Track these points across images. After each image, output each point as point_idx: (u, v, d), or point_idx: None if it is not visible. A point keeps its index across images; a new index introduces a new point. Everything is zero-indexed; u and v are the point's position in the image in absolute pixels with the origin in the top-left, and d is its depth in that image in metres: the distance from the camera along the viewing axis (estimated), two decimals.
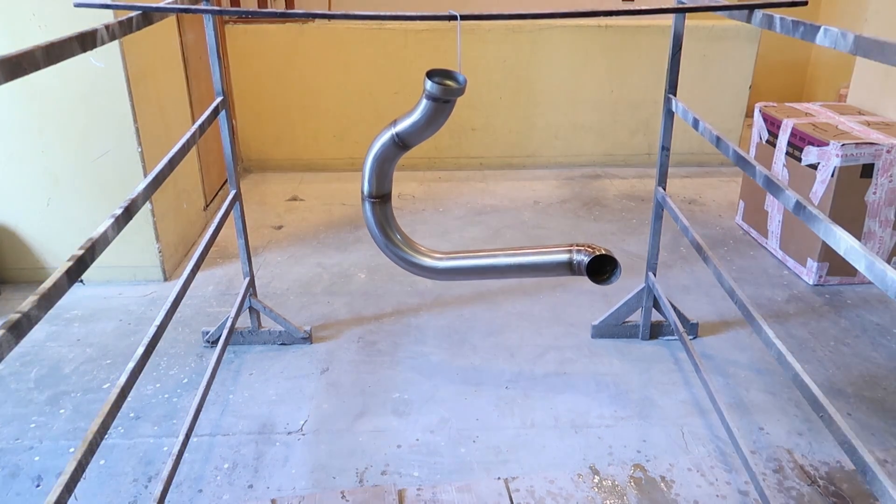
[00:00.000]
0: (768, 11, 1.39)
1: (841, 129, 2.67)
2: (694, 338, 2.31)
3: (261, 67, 3.74)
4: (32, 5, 2.27)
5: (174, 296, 1.56)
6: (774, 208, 2.89)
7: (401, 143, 1.78)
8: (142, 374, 1.63)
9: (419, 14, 1.45)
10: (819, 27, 1.16)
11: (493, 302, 2.55)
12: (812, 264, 2.65)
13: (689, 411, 1.97)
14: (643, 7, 1.50)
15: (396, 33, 3.71)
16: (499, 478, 1.72)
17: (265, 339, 2.28)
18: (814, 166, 2.63)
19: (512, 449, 1.83)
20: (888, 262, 1.64)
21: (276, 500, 1.65)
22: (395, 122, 1.77)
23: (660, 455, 1.80)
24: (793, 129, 2.76)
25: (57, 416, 1.95)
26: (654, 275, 2.22)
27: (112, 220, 1.18)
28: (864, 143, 2.51)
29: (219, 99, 1.95)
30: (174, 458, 1.53)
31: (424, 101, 1.68)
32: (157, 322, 1.47)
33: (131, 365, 1.32)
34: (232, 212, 2.08)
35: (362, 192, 1.91)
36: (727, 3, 1.56)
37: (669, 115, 2.01)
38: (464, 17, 1.47)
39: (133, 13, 1.34)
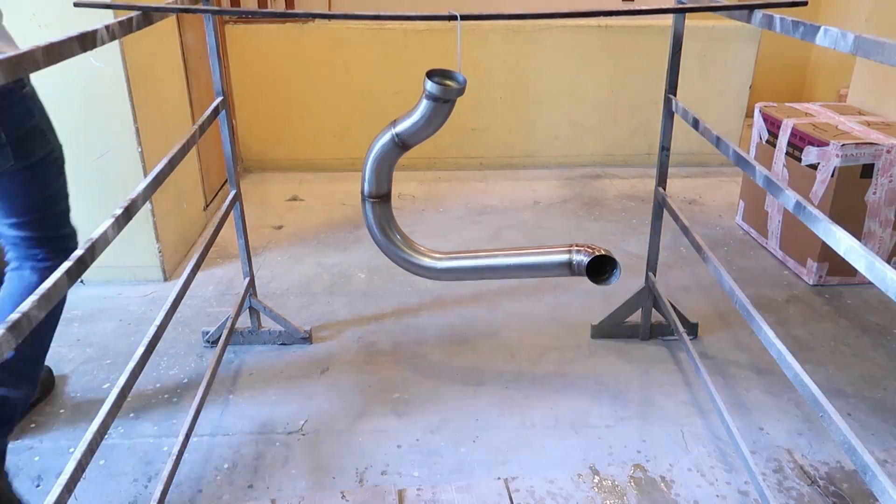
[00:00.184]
0: (768, 11, 1.39)
1: (841, 129, 2.67)
2: (694, 338, 2.31)
3: (261, 67, 3.74)
4: (32, 5, 2.27)
5: (174, 296, 1.56)
6: (774, 208, 2.89)
7: (400, 144, 1.78)
8: (142, 374, 1.63)
9: (419, 14, 1.45)
10: (819, 27, 1.16)
11: (493, 302, 2.55)
12: (812, 264, 2.65)
13: (689, 411, 1.97)
14: (643, 7, 1.50)
15: (396, 33, 3.71)
16: (499, 478, 1.72)
17: (265, 339, 2.28)
18: (814, 166, 2.63)
19: (512, 449, 1.83)
20: (888, 262, 1.64)
21: (275, 500, 1.65)
22: (394, 123, 1.77)
23: (660, 455, 1.80)
24: (793, 129, 2.76)
25: (57, 416, 1.95)
26: (654, 275, 2.22)
27: (112, 220, 1.18)
28: (864, 143, 2.51)
29: (219, 99, 1.95)
30: (174, 458, 1.53)
31: (424, 102, 1.68)
32: (157, 322, 1.47)
33: (131, 365, 1.32)
34: (232, 212, 2.08)
35: (362, 193, 1.91)
36: (727, 3, 1.56)
37: (669, 115, 2.01)
38: (464, 17, 1.47)
39: (133, 13, 1.34)
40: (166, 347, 2.25)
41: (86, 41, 1.10)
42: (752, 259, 2.90)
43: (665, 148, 2.06)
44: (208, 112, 1.86)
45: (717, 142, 1.65)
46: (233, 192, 2.08)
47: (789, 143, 2.77)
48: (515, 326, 2.40)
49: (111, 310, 2.49)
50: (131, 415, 1.95)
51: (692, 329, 2.30)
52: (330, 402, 2.01)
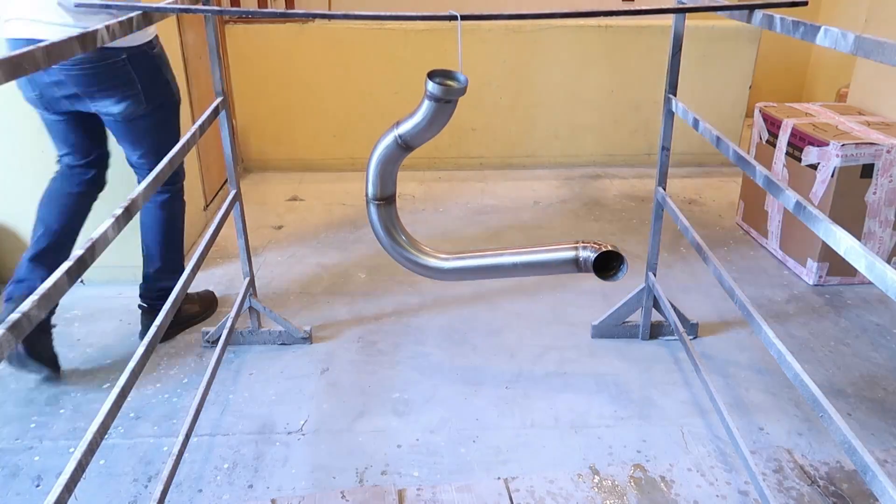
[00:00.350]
0: (768, 11, 1.39)
1: (841, 129, 2.67)
2: (694, 338, 2.31)
3: (261, 67, 3.74)
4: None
5: (174, 296, 1.56)
6: (774, 208, 2.89)
7: (404, 145, 1.78)
8: (142, 374, 1.63)
9: (419, 14, 1.46)
10: (819, 27, 1.16)
11: (493, 302, 2.55)
12: (812, 264, 2.65)
13: (689, 411, 1.97)
14: (643, 7, 1.50)
15: (396, 33, 3.71)
16: (499, 478, 1.72)
17: (265, 339, 2.28)
18: (814, 166, 2.63)
19: (512, 449, 1.83)
20: (888, 262, 1.64)
21: (276, 500, 1.65)
22: (397, 124, 1.77)
23: (660, 455, 1.80)
24: (793, 129, 2.76)
25: (57, 416, 1.95)
26: (654, 275, 2.22)
27: (112, 220, 1.18)
28: (864, 143, 2.51)
29: (219, 99, 1.95)
30: (174, 458, 1.53)
31: (426, 102, 1.68)
32: (158, 322, 1.47)
33: (131, 365, 1.32)
34: (232, 212, 2.08)
35: (366, 195, 1.91)
36: (727, 3, 1.56)
37: (669, 115, 2.01)
38: (464, 18, 1.47)
39: (133, 13, 1.34)
40: (166, 347, 2.25)
41: (86, 41, 1.10)
42: (752, 259, 2.90)
43: (665, 148, 2.06)
44: (208, 112, 1.86)
45: (717, 142, 1.65)
46: (233, 192, 2.08)
47: (789, 143, 2.77)
48: (515, 326, 2.40)
49: (111, 310, 2.49)
50: (131, 415, 1.95)
51: (692, 329, 2.30)
52: (330, 402, 2.01)
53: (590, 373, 2.15)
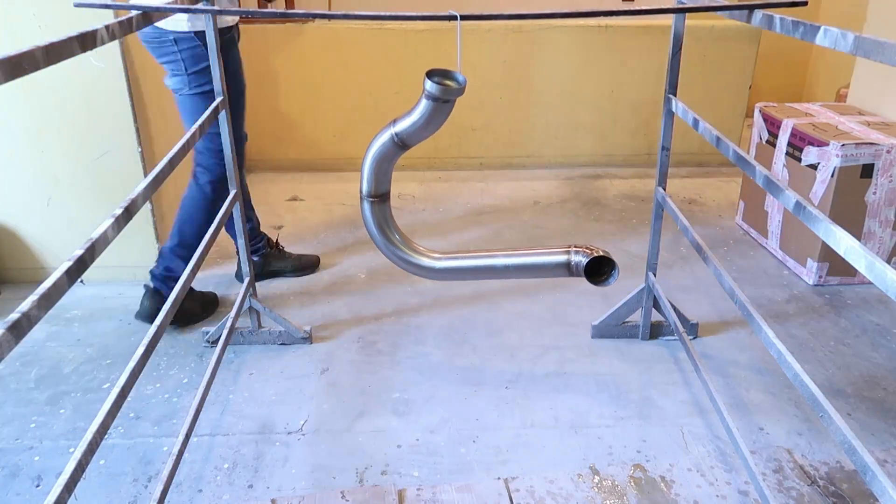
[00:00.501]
0: (768, 11, 1.39)
1: (841, 129, 2.67)
2: (694, 338, 2.31)
3: (261, 67, 3.74)
4: (32, 5, 2.27)
5: (174, 296, 1.56)
6: (774, 208, 2.89)
7: (400, 143, 1.78)
8: (142, 374, 1.63)
9: (419, 14, 1.46)
10: (819, 27, 1.16)
11: (493, 302, 2.55)
12: (812, 264, 2.65)
13: (689, 411, 1.97)
14: (643, 7, 1.50)
15: (396, 33, 3.71)
16: (499, 478, 1.72)
17: (265, 339, 2.28)
18: (814, 166, 2.63)
19: (512, 449, 1.83)
20: (888, 262, 1.64)
21: (276, 500, 1.65)
22: (394, 122, 1.78)
23: (660, 455, 1.80)
24: (793, 129, 2.76)
25: (57, 416, 1.95)
26: (654, 275, 2.22)
27: (112, 220, 1.18)
28: (864, 143, 2.51)
29: (219, 99, 1.95)
30: (174, 458, 1.53)
31: (424, 101, 1.68)
32: (157, 322, 1.47)
33: (131, 365, 1.32)
34: (232, 212, 2.08)
35: (361, 192, 1.91)
36: (727, 3, 1.56)
37: (669, 115, 2.01)
38: (464, 17, 1.47)
39: (133, 13, 1.34)
40: (166, 347, 2.25)
41: (86, 41, 1.10)
42: (752, 259, 2.90)
43: (665, 148, 2.06)
44: (208, 112, 1.86)
45: (717, 142, 1.65)
46: (233, 192, 2.08)
47: (789, 143, 2.77)
48: (515, 326, 2.40)
49: (111, 310, 2.49)
50: (131, 415, 1.95)
51: (692, 329, 2.30)
52: (330, 402, 2.01)
53: (590, 373, 2.15)
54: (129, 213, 1.24)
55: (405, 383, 2.10)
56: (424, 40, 3.72)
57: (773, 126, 2.90)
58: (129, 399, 1.71)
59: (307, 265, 2.76)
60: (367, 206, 1.90)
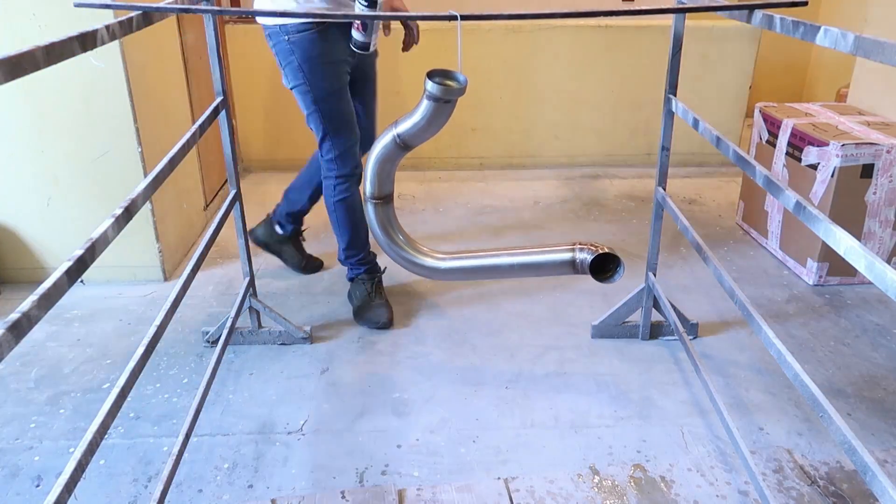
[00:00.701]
0: (768, 11, 1.39)
1: (841, 129, 2.67)
2: (694, 338, 2.31)
3: (261, 67, 3.74)
4: (32, 5, 2.27)
5: (174, 296, 1.56)
6: (774, 208, 2.89)
7: (402, 144, 1.78)
8: (142, 374, 1.63)
9: (419, 14, 1.46)
10: (819, 27, 1.16)
11: (493, 302, 2.55)
12: (812, 264, 2.65)
13: (689, 411, 1.97)
14: (643, 7, 1.50)
15: (396, 33, 3.71)
16: (499, 478, 1.72)
17: (265, 339, 2.28)
18: (814, 166, 2.63)
19: (512, 449, 1.83)
20: (888, 262, 1.64)
21: (276, 500, 1.65)
22: (395, 123, 1.78)
23: (660, 455, 1.80)
24: (793, 129, 2.76)
25: (57, 416, 1.95)
26: (654, 275, 2.22)
27: (112, 220, 1.18)
28: (864, 143, 2.51)
29: (219, 99, 1.95)
30: (174, 458, 1.53)
31: (425, 102, 1.68)
32: (157, 322, 1.47)
33: (131, 365, 1.32)
34: (232, 212, 2.08)
35: (364, 194, 1.91)
36: (727, 3, 1.56)
37: (669, 115, 2.01)
38: (464, 17, 1.47)
39: (133, 13, 1.34)
40: (166, 347, 2.25)
41: (86, 41, 1.10)
42: (752, 259, 2.90)
43: (665, 148, 2.06)
44: (208, 112, 1.86)
45: (717, 142, 1.65)
46: (233, 192, 2.08)
47: (789, 143, 2.77)
48: (515, 326, 2.40)
49: (111, 310, 2.49)
50: (131, 415, 1.95)
51: (692, 329, 2.30)
52: (330, 402, 2.01)
53: (590, 373, 2.15)
54: (129, 213, 1.24)
55: (405, 383, 2.10)
56: (424, 40, 3.71)
57: (773, 126, 2.90)
58: (129, 399, 1.71)
59: (310, 268, 2.77)
60: (370, 207, 1.90)
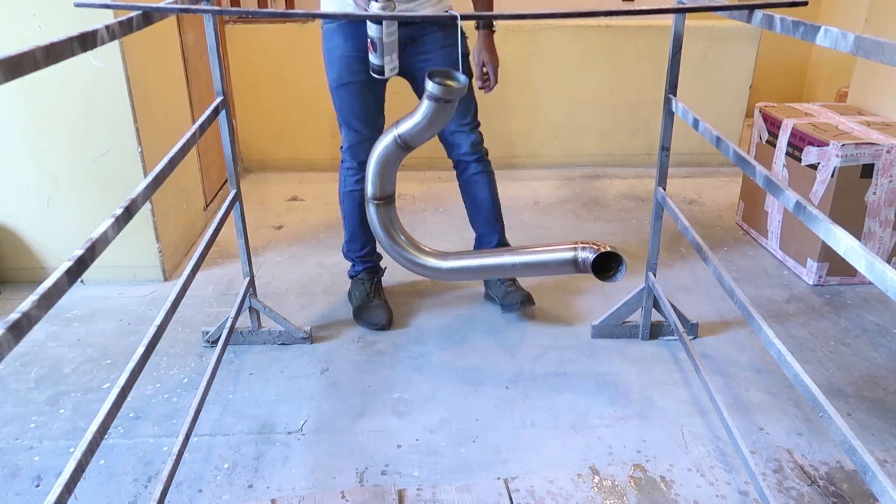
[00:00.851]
0: (768, 11, 1.39)
1: (841, 130, 2.67)
2: (694, 338, 2.31)
3: (261, 67, 3.74)
4: (32, 5, 2.27)
5: (174, 296, 1.56)
6: (774, 208, 2.89)
7: (403, 145, 1.78)
8: (142, 374, 1.63)
9: (419, 14, 1.46)
10: (819, 27, 1.16)
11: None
12: (812, 264, 2.65)
13: (689, 411, 1.97)
14: (643, 7, 1.50)
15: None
16: (499, 478, 1.72)
17: (265, 339, 2.28)
18: (814, 166, 2.63)
19: (512, 449, 1.83)
20: (888, 262, 1.64)
21: (276, 500, 1.65)
22: (396, 124, 1.78)
23: (660, 455, 1.80)
24: (793, 129, 2.76)
25: (57, 416, 1.95)
26: (654, 275, 2.22)
27: (112, 220, 1.18)
28: (864, 143, 2.51)
29: (219, 99, 1.95)
30: (174, 458, 1.53)
31: (426, 102, 1.68)
32: (157, 322, 1.47)
33: (131, 365, 1.32)
34: (232, 212, 2.08)
35: (366, 195, 1.91)
36: (727, 3, 1.56)
37: (669, 115, 2.01)
38: (464, 18, 1.47)
39: (133, 13, 1.34)
40: (166, 347, 2.25)
41: (86, 41, 1.10)
42: (752, 259, 2.90)
43: (665, 148, 2.06)
44: (208, 112, 1.86)
45: (717, 142, 1.65)
46: (233, 192, 2.08)
47: (789, 143, 2.77)
48: (515, 326, 2.40)
49: (111, 310, 2.49)
50: (131, 415, 1.95)
51: (692, 329, 2.30)
52: (330, 402, 2.01)
53: (590, 373, 2.15)
54: (129, 213, 1.24)
55: (405, 383, 2.10)
56: None
57: (773, 126, 2.90)
58: (129, 399, 1.71)
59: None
60: (372, 208, 1.90)
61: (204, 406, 1.81)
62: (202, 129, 1.77)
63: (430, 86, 1.63)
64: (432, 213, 3.37)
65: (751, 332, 2.33)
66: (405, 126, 1.75)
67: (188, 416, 1.67)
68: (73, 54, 1.04)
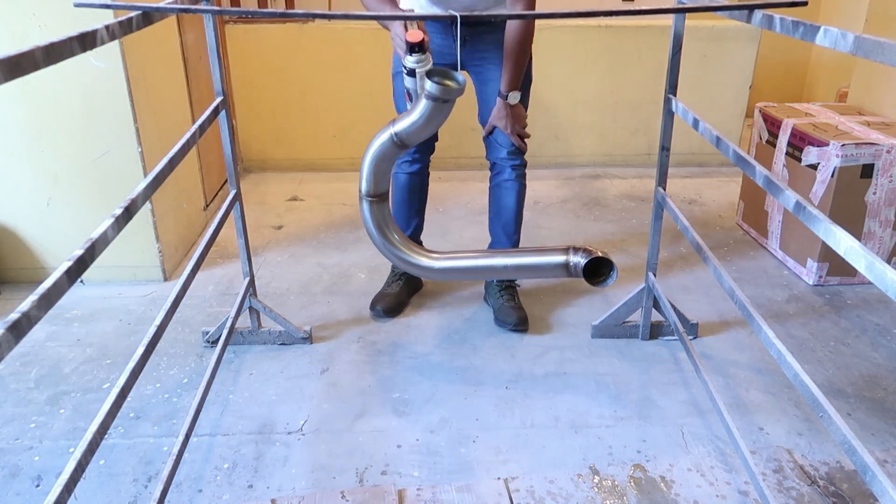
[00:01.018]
0: (768, 11, 1.39)
1: (841, 129, 2.67)
2: (694, 338, 2.31)
3: (261, 67, 3.74)
4: (32, 5, 2.27)
5: (174, 296, 1.56)
6: (774, 208, 2.89)
7: (399, 143, 1.78)
8: (142, 374, 1.63)
9: (419, 14, 1.46)
10: (819, 27, 1.16)
11: None
12: (812, 264, 2.65)
13: (689, 411, 1.97)
14: (643, 7, 1.50)
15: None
16: (499, 478, 1.72)
17: (265, 339, 2.28)
18: (814, 166, 2.63)
19: (512, 449, 1.83)
20: (888, 262, 1.64)
21: (275, 500, 1.65)
22: (393, 122, 1.77)
23: (660, 455, 1.80)
24: (793, 129, 2.76)
25: (57, 416, 1.95)
26: (654, 275, 2.22)
27: (112, 220, 1.18)
28: (864, 143, 2.51)
29: (219, 99, 1.95)
30: (174, 458, 1.53)
31: (424, 101, 1.68)
32: (157, 322, 1.47)
33: (131, 365, 1.32)
34: (232, 212, 2.08)
35: (360, 191, 1.91)
36: (727, 3, 1.56)
37: (669, 115, 2.01)
38: (464, 17, 1.47)
39: (133, 13, 1.34)
40: (166, 347, 2.25)
41: (86, 41, 1.10)
42: (752, 259, 2.90)
43: (665, 148, 2.06)
44: (208, 112, 1.86)
45: (717, 142, 1.65)
46: (233, 192, 2.08)
47: (789, 143, 2.77)
48: None
49: (111, 310, 2.49)
50: (131, 415, 1.95)
51: (692, 329, 2.30)
52: (330, 402, 2.01)
53: (590, 373, 2.15)
54: (129, 213, 1.24)
55: (405, 383, 2.10)
56: None
57: (773, 126, 2.90)
58: (129, 399, 1.71)
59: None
60: (366, 205, 1.90)
61: (204, 406, 1.81)
62: (202, 129, 1.77)
63: (428, 85, 1.63)
64: (432, 213, 3.36)
65: (751, 332, 2.33)
66: (402, 124, 1.74)
67: (188, 416, 1.67)
68: (72, 54, 1.04)
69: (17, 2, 2.27)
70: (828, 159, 2.55)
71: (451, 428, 1.91)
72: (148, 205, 2.56)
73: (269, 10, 4.00)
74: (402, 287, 2.51)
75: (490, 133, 2.33)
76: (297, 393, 2.05)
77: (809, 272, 2.67)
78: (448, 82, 1.66)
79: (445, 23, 2.17)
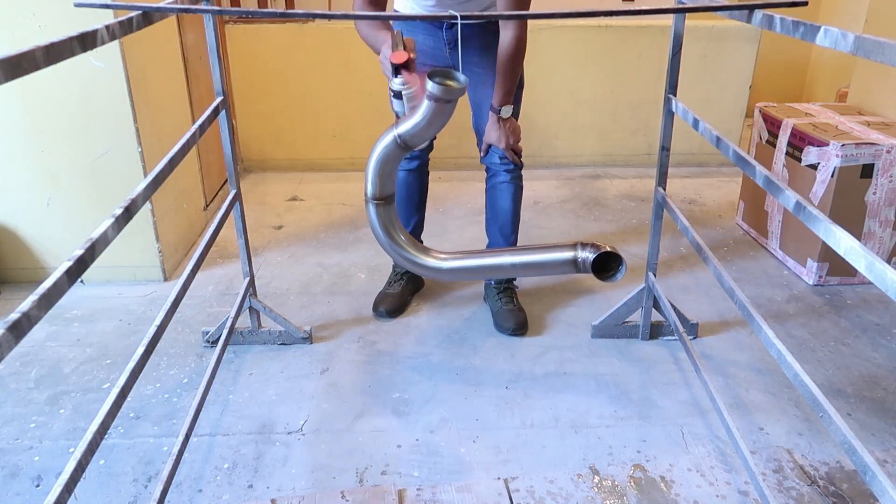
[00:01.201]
0: (768, 11, 1.39)
1: (841, 129, 2.67)
2: (694, 338, 2.31)
3: (261, 67, 3.74)
4: (32, 5, 2.27)
5: (174, 296, 1.56)
6: (774, 208, 2.89)
7: (403, 144, 1.78)
8: (142, 374, 1.63)
9: (419, 14, 1.46)
10: (819, 27, 1.16)
11: None
12: (812, 264, 2.65)
13: (689, 411, 1.97)
14: (643, 7, 1.50)
15: None
16: (499, 478, 1.72)
17: (265, 339, 2.28)
18: (814, 166, 2.63)
19: (512, 449, 1.83)
20: (888, 262, 1.63)
21: (276, 500, 1.65)
22: (396, 124, 1.77)
23: (660, 455, 1.80)
24: (793, 129, 2.76)
25: (57, 416, 1.95)
26: (654, 275, 2.22)
27: (112, 220, 1.18)
28: (864, 143, 2.51)
29: (219, 99, 1.95)
30: (174, 458, 1.53)
31: (426, 102, 1.68)
32: (157, 322, 1.47)
33: (131, 365, 1.32)
34: (232, 212, 2.08)
35: (365, 195, 1.90)
36: (727, 3, 1.56)
37: (669, 115, 2.01)
38: (464, 18, 1.47)
39: (133, 13, 1.34)
40: (166, 347, 2.25)
41: (86, 41, 1.10)
42: (752, 259, 2.90)
43: (665, 148, 2.06)
44: (208, 112, 1.86)
45: (717, 142, 1.65)
46: (233, 192, 2.08)
47: (789, 143, 2.77)
48: None
49: (111, 310, 2.49)
50: (131, 415, 1.95)
51: (692, 329, 2.30)
52: (330, 402, 2.01)
53: (590, 373, 2.15)
54: (129, 213, 1.24)
55: (405, 383, 2.10)
56: None
57: (773, 126, 2.90)
58: (129, 399, 1.71)
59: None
60: (372, 208, 1.90)
61: (204, 406, 1.81)
62: (202, 129, 1.77)
63: (429, 85, 1.63)
64: (432, 213, 3.36)
65: (751, 332, 2.33)
66: (405, 126, 1.74)
67: (188, 416, 1.67)
68: (72, 54, 1.04)
69: (17, 2, 2.27)
70: (828, 159, 2.55)
71: (450, 428, 1.91)
72: (148, 205, 2.56)
73: (269, 10, 4.00)
74: (403, 286, 2.51)
75: (486, 154, 2.33)
76: (297, 393, 2.05)
77: (809, 272, 2.67)
78: (449, 82, 1.66)
79: (435, 24, 2.17)
